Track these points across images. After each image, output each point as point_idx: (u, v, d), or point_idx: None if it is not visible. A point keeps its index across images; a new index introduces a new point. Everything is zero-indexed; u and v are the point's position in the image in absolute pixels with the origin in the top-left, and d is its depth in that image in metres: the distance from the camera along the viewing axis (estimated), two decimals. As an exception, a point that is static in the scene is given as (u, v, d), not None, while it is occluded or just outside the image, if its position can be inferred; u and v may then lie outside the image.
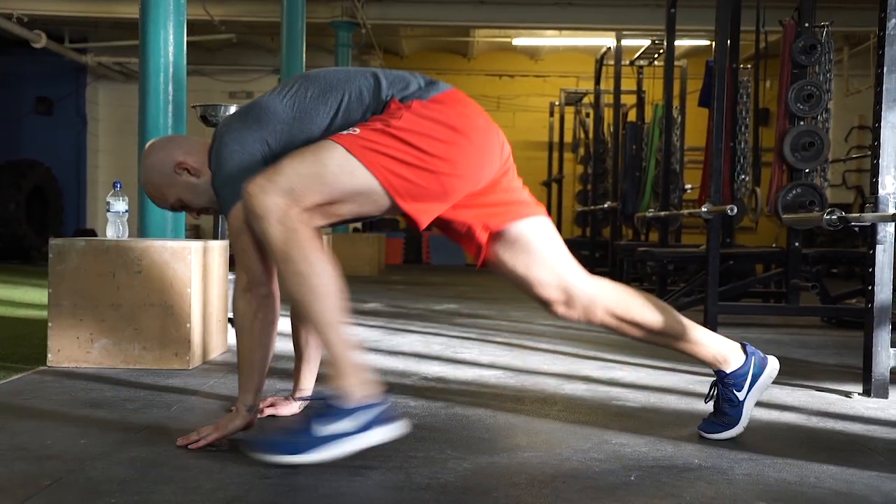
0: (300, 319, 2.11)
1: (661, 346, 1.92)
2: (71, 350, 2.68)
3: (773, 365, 1.92)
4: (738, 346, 1.91)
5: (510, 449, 1.82)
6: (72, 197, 11.59)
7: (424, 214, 1.71)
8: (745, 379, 1.88)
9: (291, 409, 2.09)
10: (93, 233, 11.29)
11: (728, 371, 1.88)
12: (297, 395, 2.11)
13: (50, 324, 2.69)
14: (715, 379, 1.92)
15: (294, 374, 2.13)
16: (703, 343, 1.89)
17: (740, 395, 1.88)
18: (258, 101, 1.82)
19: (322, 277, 1.63)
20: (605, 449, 1.81)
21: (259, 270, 1.76)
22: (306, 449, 1.58)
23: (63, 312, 2.69)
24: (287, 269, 1.63)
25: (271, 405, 2.06)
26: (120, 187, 2.93)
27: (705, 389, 2.46)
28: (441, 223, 1.83)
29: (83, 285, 2.69)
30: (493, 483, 1.57)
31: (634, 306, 1.86)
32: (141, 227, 3.36)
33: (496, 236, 1.83)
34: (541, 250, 1.83)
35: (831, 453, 1.82)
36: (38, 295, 5.32)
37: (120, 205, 2.89)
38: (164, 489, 1.48)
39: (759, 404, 2.30)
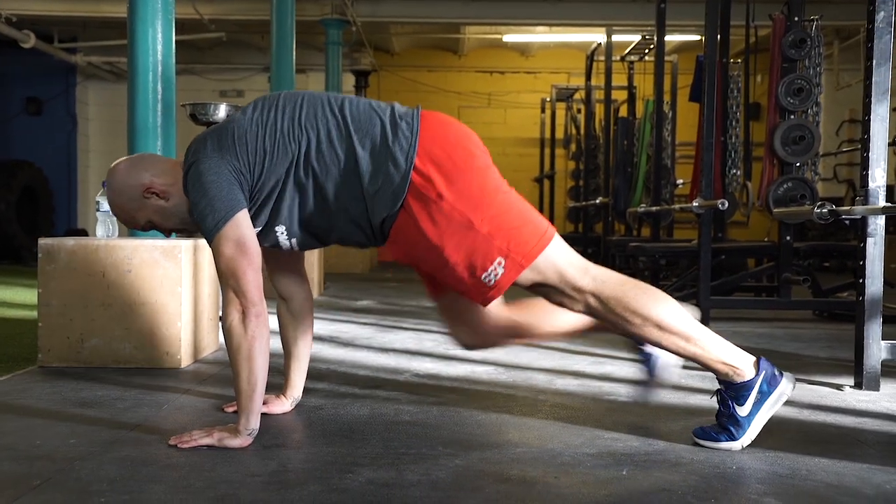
0: (289, 317, 2.11)
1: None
2: (61, 350, 2.67)
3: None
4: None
5: (502, 445, 1.82)
6: (62, 197, 11.53)
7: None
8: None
9: (283, 406, 2.08)
10: (84, 232, 11.24)
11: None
12: (289, 393, 2.11)
13: (40, 324, 2.68)
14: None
15: (284, 372, 2.12)
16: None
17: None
18: (230, 125, 1.80)
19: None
20: (596, 444, 1.81)
21: (255, 291, 1.73)
22: (742, 432, 1.75)
23: (53, 312, 2.67)
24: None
25: (264, 403, 2.05)
26: (109, 186, 2.91)
27: (697, 384, 2.47)
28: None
29: (73, 285, 2.67)
30: (484, 479, 1.56)
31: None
32: (131, 227, 3.34)
33: None
34: None
35: (823, 446, 1.83)
36: (29, 295, 5.29)
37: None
38: (154, 488, 1.47)
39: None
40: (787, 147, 4.23)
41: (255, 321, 1.73)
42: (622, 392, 2.40)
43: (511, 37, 10.98)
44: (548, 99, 11.13)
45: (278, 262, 2.05)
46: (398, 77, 12.17)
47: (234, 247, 1.73)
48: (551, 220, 10.60)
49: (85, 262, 2.68)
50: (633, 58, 7.99)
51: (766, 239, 7.25)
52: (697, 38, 9.47)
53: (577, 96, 10.45)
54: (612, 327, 1.81)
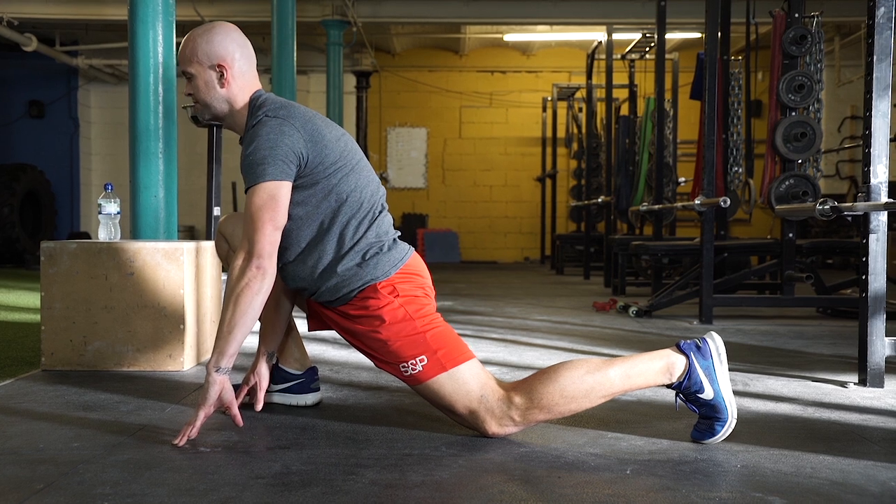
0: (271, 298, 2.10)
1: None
2: (64, 353, 2.67)
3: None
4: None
5: (504, 445, 1.82)
6: (65, 200, 11.55)
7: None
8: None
9: (263, 369, 2.07)
10: (87, 235, 11.26)
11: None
12: (267, 359, 2.09)
13: (43, 327, 2.68)
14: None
15: (260, 339, 2.11)
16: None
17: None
18: (315, 122, 1.89)
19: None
20: (600, 443, 1.81)
21: (267, 245, 1.78)
22: (723, 410, 1.77)
23: (56, 315, 2.67)
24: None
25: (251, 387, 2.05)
26: (111, 189, 2.91)
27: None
28: None
29: (76, 288, 2.67)
30: (488, 479, 1.56)
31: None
32: (133, 229, 3.35)
33: None
34: None
35: (827, 443, 1.82)
36: (32, 298, 5.30)
37: (112, 207, 2.88)
38: (157, 491, 1.47)
39: (755, 395, 2.30)
40: (788, 144, 4.22)
41: (255, 271, 1.78)
42: (625, 391, 2.39)
43: (512, 36, 10.98)
44: (549, 98, 11.13)
45: None
46: (399, 77, 12.18)
47: (268, 199, 1.79)
48: (553, 219, 10.60)
49: (87, 265, 2.68)
50: (633, 56, 7.97)
51: (768, 236, 7.24)
52: (698, 35, 9.46)
53: (578, 95, 10.44)
54: (557, 418, 1.88)
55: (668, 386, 1.81)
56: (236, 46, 1.94)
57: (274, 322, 2.09)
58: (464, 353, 1.85)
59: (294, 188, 1.86)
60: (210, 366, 1.78)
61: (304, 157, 1.84)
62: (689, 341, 1.82)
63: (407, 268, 1.92)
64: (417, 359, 1.83)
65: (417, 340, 1.84)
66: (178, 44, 3.49)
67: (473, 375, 1.83)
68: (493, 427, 1.81)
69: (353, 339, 1.95)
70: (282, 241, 1.87)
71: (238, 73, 1.93)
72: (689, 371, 1.78)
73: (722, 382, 1.79)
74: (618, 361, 1.81)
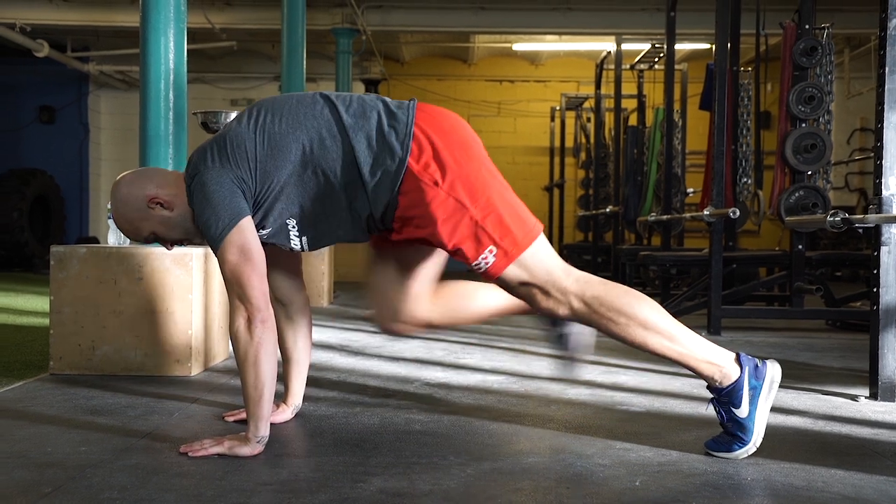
0: (287, 322, 2.09)
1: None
2: (72, 357, 2.67)
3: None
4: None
5: (513, 454, 1.81)
6: (74, 205, 11.60)
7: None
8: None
9: (284, 415, 2.07)
10: (95, 240, 11.29)
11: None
12: (289, 401, 2.10)
13: (51, 331, 2.68)
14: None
15: (283, 380, 2.11)
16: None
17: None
18: (228, 134, 1.82)
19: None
20: (609, 454, 1.80)
21: (260, 297, 1.74)
22: (749, 433, 1.74)
23: (64, 319, 2.68)
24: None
25: None
26: (121, 194, 2.92)
27: (709, 394, 2.45)
28: None
29: (85, 292, 2.68)
30: (496, 489, 1.55)
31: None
32: (142, 234, 3.35)
33: None
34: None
35: (839, 457, 1.80)
36: (41, 302, 5.31)
37: (121, 212, 2.88)
38: (165, 496, 1.46)
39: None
40: (798, 155, 4.21)
41: (260, 327, 1.74)
42: (634, 402, 2.38)
43: (520, 45, 10.99)
44: (557, 108, 11.13)
45: (277, 267, 2.05)
46: (408, 86, 12.20)
47: (239, 253, 1.74)
48: (560, 228, 10.58)
49: (96, 270, 2.69)
50: (642, 66, 7.98)
51: (777, 248, 7.22)
52: (707, 46, 9.46)
53: (586, 105, 10.44)
54: (596, 328, 1.82)
55: (710, 386, 1.79)
56: (140, 182, 1.88)
57: (299, 373, 2.12)
58: (528, 232, 1.77)
59: (289, 188, 1.79)
60: (250, 435, 1.73)
61: (245, 174, 1.77)
62: (750, 357, 1.79)
63: (422, 124, 1.78)
64: (485, 252, 1.75)
65: (477, 233, 1.75)
66: (189, 51, 3.51)
67: (542, 254, 1.78)
68: (549, 303, 1.78)
69: (419, 238, 1.82)
70: (324, 217, 1.81)
71: (163, 186, 1.87)
72: (737, 383, 1.75)
73: (761, 409, 1.76)
74: (690, 332, 1.79)
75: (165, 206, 1.86)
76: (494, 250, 1.75)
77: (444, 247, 1.78)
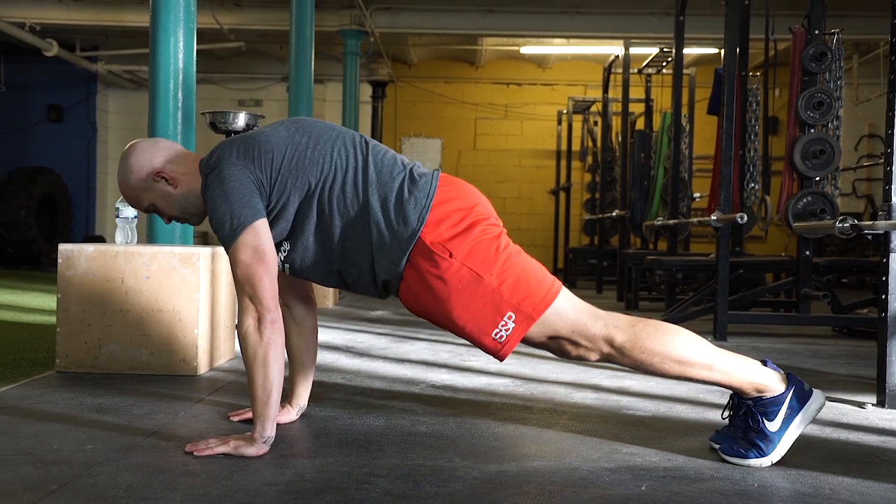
0: (293, 325, 2.09)
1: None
2: (79, 355, 2.68)
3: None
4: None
5: (519, 458, 1.81)
6: (81, 204, 11.64)
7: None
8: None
9: (289, 416, 2.07)
10: (102, 239, 11.32)
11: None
12: (294, 402, 2.10)
13: (58, 329, 2.69)
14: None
15: (290, 382, 2.11)
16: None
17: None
18: (258, 138, 1.82)
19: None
20: (615, 458, 1.79)
21: (270, 298, 1.74)
22: (772, 446, 1.73)
23: (71, 318, 2.68)
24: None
25: None
26: (129, 193, 2.92)
27: (717, 399, 2.44)
28: None
29: (92, 291, 2.68)
30: (502, 492, 1.55)
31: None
32: (150, 233, 3.36)
33: None
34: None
35: (846, 465, 1.80)
36: (47, 300, 5.33)
37: (129, 211, 2.89)
38: (170, 495, 1.46)
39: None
40: (807, 161, 4.19)
41: (270, 328, 1.73)
42: (640, 406, 2.37)
43: (528, 49, 10.99)
44: (564, 111, 11.12)
45: None
46: (415, 88, 12.21)
47: (252, 253, 1.74)
48: (567, 232, 10.57)
49: (104, 269, 2.69)
50: (650, 70, 7.96)
51: (783, 254, 7.20)
52: (716, 50, 9.44)
53: (593, 109, 10.43)
54: (631, 368, 1.80)
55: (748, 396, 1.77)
56: (151, 153, 1.89)
57: (305, 375, 2.12)
58: (547, 291, 1.74)
59: (295, 213, 1.80)
60: (256, 435, 1.73)
61: (265, 179, 1.77)
62: (801, 379, 1.79)
63: (442, 196, 1.77)
64: (504, 320, 1.72)
65: (495, 300, 1.72)
66: (198, 52, 3.51)
67: (565, 307, 1.75)
68: (579, 351, 1.78)
69: (432, 318, 1.80)
70: (320, 256, 1.82)
71: (172, 162, 1.88)
72: (779, 397, 1.75)
73: (792, 430, 1.76)
74: (728, 355, 1.78)
75: (169, 182, 1.87)
76: (514, 316, 1.73)
77: (454, 321, 1.74)
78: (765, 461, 1.74)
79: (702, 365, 1.74)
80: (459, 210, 1.78)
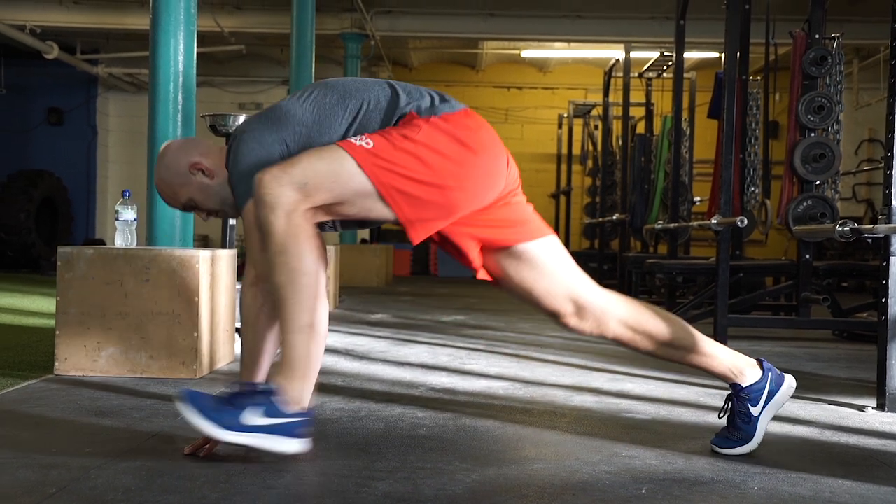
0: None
1: (675, 360, 1.89)
2: (78, 358, 2.68)
3: (789, 383, 1.89)
4: (755, 361, 1.89)
5: (519, 461, 1.80)
6: (81, 207, 11.64)
7: (422, 231, 1.72)
8: (761, 394, 1.85)
9: None
10: (102, 242, 11.32)
11: (744, 385, 1.85)
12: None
13: (57, 332, 2.69)
14: (730, 392, 1.89)
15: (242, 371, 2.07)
16: (717, 356, 1.86)
17: (755, 411, 1.84)
18: (278, 104, 1.84)
19: (310, 278, 1.66)
20: (615, 461, 1.79)
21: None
22: (229, 428, 1.61)
23: (70, 321, 2.68)
24: (279, 262, 1.65)
25: None
26: (129, 196, 2.93)
27: (717, 402, 2.44)
28: (438, 236, 1.82)
29: (91, 293, 2.68)
30: (501, 495, 1.54)
31: (647, 318, 1.85)
32: (149, 236, 3.36)
33: (501, 251, 1.82)
34: (548, 264, 1.82)
35: (847, 468, 1.79)
36: (47, 304, 5.33)
37: (129, 213, 2.89)
38: (169, 498, 1.46)
39: (772, 418, 2.27)
40: (807, 165, 4.19)
41: (264, 294, 1.76)
42: (640, 409, 2.37)
43: (529, 52, 11.01)
44: (565, 115, 11.13)
45: None
46: (415, 91, 12.22)
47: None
48: (567, 236, 10.57)
49: (103, 271, 2.69)
50: (651, 74, 7.98)
51: (783, 257, 7.20)
52: (716, 54, 9.46)
53: (594, 112, 10.44)
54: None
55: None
56: (187, 148, 1.90)
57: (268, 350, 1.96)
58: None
59: None
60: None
61: (288, 136, 1.76)
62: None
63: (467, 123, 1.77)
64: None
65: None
66: (198, 55, 3.52)
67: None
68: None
69: None
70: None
71: (207, 155, 1.89)
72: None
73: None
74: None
75: (206, 174, 1.88)
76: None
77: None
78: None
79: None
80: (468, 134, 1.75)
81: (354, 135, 1.75)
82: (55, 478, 1.57)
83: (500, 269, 1.83)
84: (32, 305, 5.32)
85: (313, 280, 1.67)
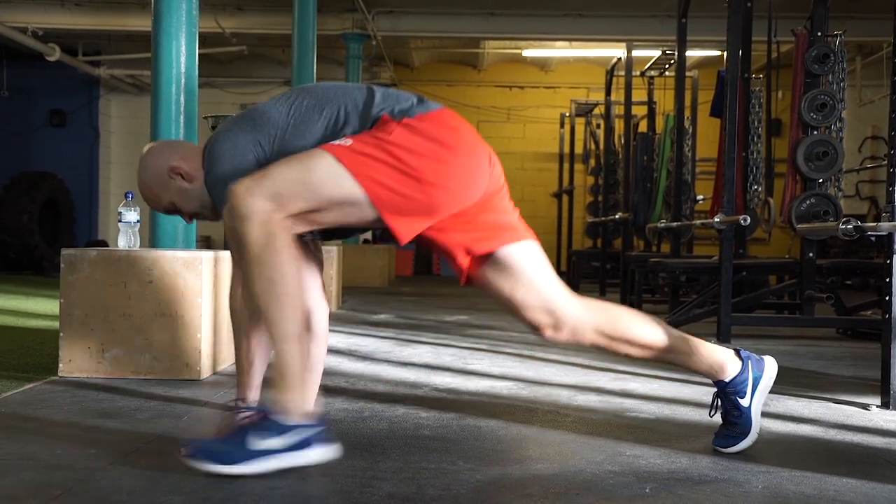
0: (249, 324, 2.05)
1: (654, 360, 1.88)
2: (82, 360, 2.68)
3: (770, 365, 1.90)
4: (732, 352, 1.89)
5: (522, 460, 1.80)
6: (84, 208, 11.66)
7: (407, 229, 1.69)
8: (746, 385, 1.85)
9: None
10: (104, 244, 11.34)
11: (727, 380, 1.86)
12: (239, 405, 2.04)
13: (61, 334, 2.69)
14: (716, 390, 1.89)
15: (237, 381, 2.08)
16: (697, 354, 1.85)
17: (744, 402, 1.85)
18: (256, 106, 1.84)
19: (290, 287, 1.63)
20: (619, 461, 1.79)
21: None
22: (240, 461, 1.59)
23: (74, 322, 2.68)
24: (257, 273, 1.63)
25: None
26: (131, 197, 2.93)
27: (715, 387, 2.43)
28: (425, 241, 1.80)
29: (94, 295, 2.68)
30: (505, 495, 1.55)
31: (624, 322, 1.82)
32: (152, 237, 3.36)
33: (483, 258, 1.80)
34: (526, 273, 1.79)
35: (851, 466, 1.79)
36: (50, 306, 5.33)
37: (131, 215, 2.89)
38: (174, 499, 1.46)
39: (775, 416, 2.27)
40: (810, 163, 4.19)
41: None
42: (644, 409, 2.37)
43: (530, 52, 11.00)
44: (567, 114, 11.12)
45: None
46: (418, 91, 12.18)
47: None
48: (569, 235, 10.56)
49: (107, 273, 2.69)
50: (653, 73, 7.97)
51: (787, 256, 7.19)
52: (718, 53, 9.45)
53: (596, 111, 10.43)
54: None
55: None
56: (166, 152, 1.90)
57: (313, 381, 1.95)
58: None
59: None
60: (240, 402, 1.77)
61: (263, 139, 1.75)
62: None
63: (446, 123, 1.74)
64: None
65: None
66: (200, 56, 3.52)
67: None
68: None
69: None
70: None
71: (187, 158, 1.88)
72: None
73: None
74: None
75: (185, 178, 1.87)
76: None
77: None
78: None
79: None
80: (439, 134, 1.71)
81: (330, 140, 1.73)
82: (60, 479, 1.57)
83: (482, 276, 1.81)
84: (36, 307, 5.33)
85: (293, 289, 1.64)
